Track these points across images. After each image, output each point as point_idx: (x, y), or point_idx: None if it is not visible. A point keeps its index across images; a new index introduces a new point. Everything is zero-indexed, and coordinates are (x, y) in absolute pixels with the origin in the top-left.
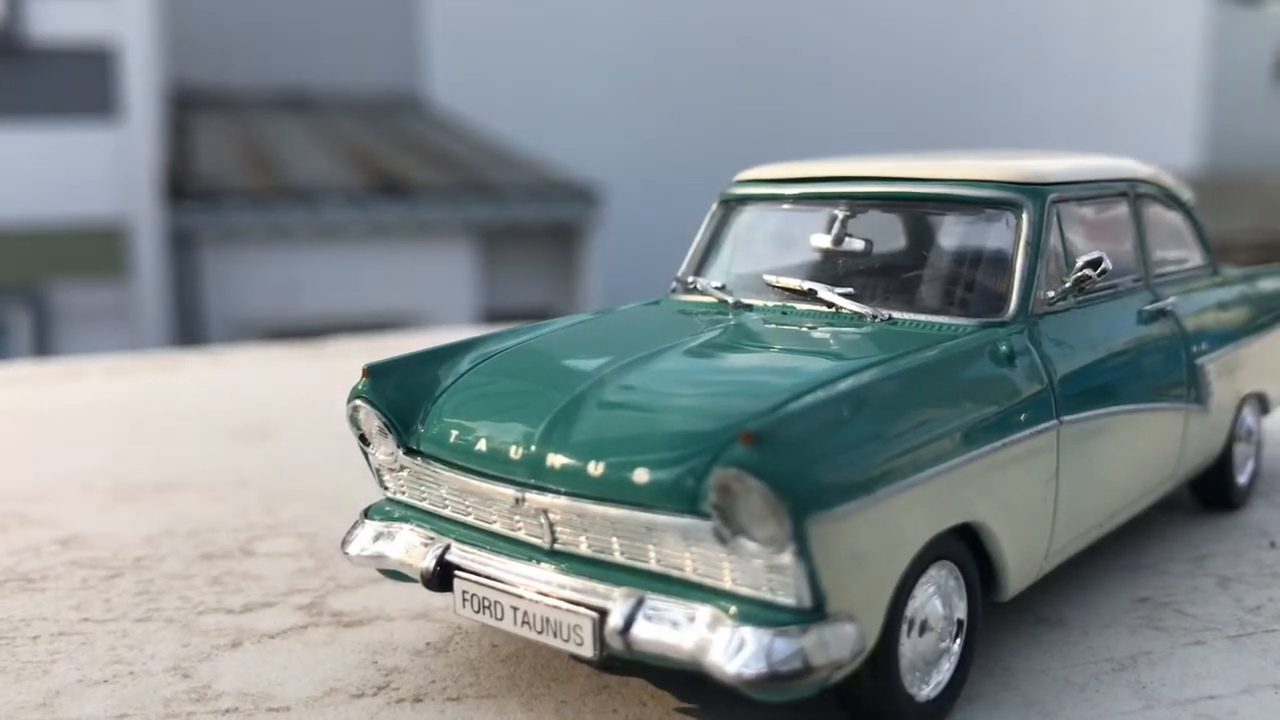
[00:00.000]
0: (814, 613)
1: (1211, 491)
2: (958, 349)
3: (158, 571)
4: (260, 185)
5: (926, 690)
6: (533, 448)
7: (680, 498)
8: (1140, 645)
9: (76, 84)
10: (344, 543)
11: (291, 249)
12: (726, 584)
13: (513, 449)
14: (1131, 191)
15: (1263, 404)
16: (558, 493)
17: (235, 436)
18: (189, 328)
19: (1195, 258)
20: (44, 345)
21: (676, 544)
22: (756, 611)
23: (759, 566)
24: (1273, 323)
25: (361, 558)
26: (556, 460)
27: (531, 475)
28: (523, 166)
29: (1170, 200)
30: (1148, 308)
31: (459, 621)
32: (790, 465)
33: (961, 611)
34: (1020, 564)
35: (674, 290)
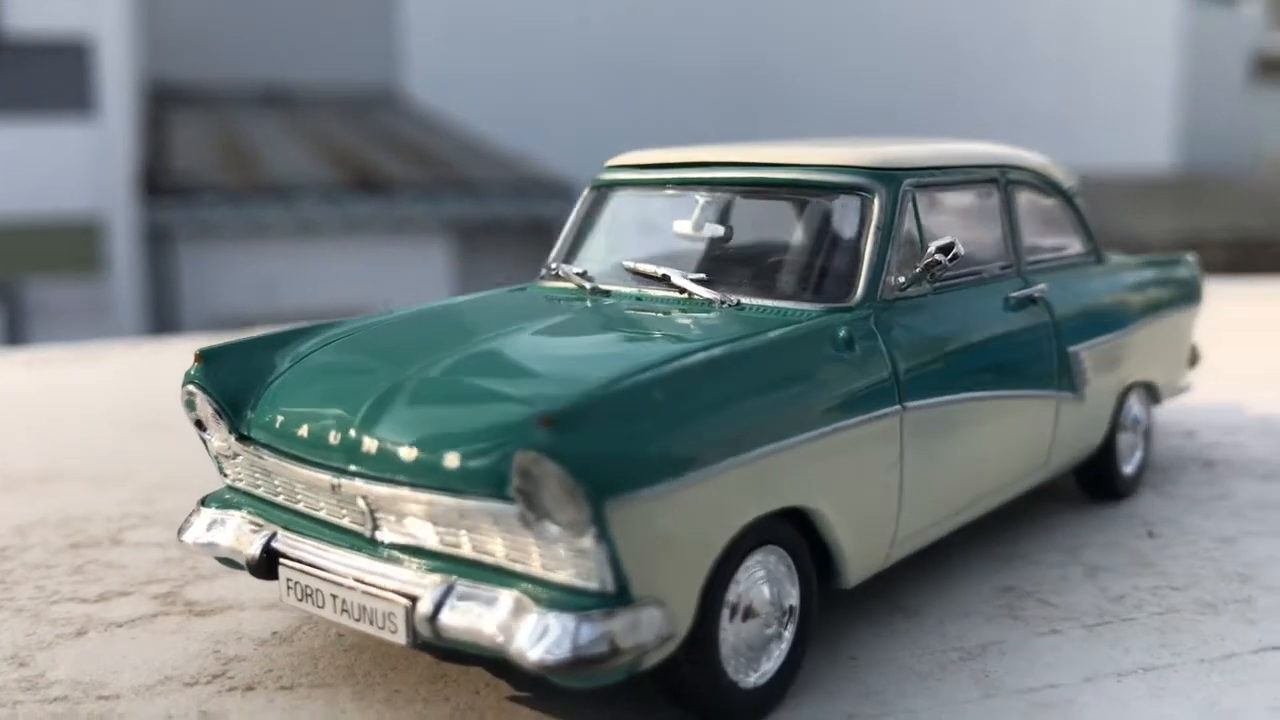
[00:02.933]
0: (618, 597)
1: (1096, 481)
2: (792, 334)
3: (19, 561)
4: (237, 181)
5: (753, 678)
6: (351, 432)
7: (487, 482)
8: (994, 635)
9: (52, 79)
10: (180, 531)
11: (268, 245)
12: (536, 569)
13: (331, 434)
14: (1002, 178)
15: (1152, 394)
16: (372, 478)
17: (138, 428)
18: (165, 324)
19: (1076, 245)
20: (18, 342)
21: (488, 529)
22: (562, 596)
23: (563, 551)
24: (1158, 312)
25: (196, 545)
26: (372, 445)
27: (349, 460)
28: (501, 163)
29: (1049, 188)
30: (1015, 294)
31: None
32: (589, 448)
33: (794, 598)
34: (861, 551)
35: (542, 276)
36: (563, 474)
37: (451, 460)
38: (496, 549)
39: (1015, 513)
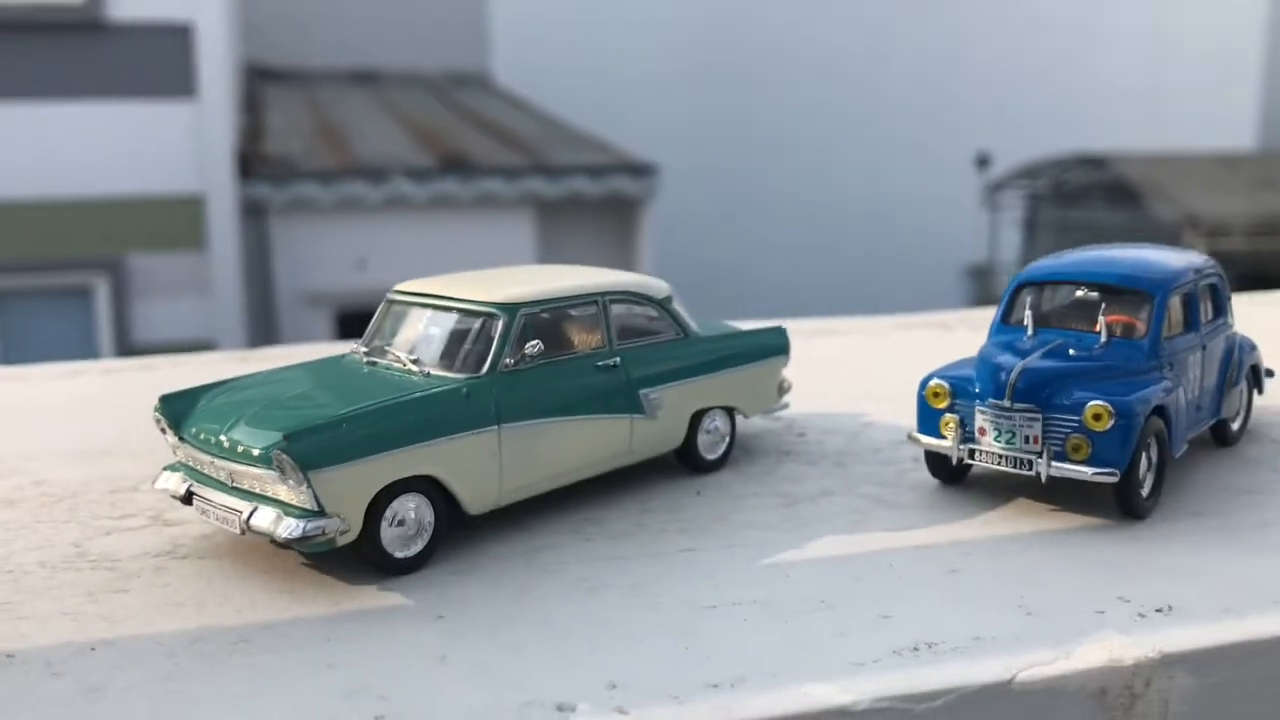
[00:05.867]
0: (320, 514)
1: (687, 461)
2: (434, 389)
3: (83, 498)
4: (331, 163)
5: (403, 554)
6: (220, 437)
7: (266, 463)
8: (553, 540)
9: (154, 62)
10: (153, 481)
11: (358, 223)
12: (287, 499)
13: (212, 438)
14: (602, 299)
15: (737, 412)
16: (227, 459)
17: None
18: (262, 300)
19: (668, 332)
20: (122, 312)
21: (269, 482)
22: (297, 511)
23: (296, 493)
24: (735, 364)
25: (157, 489)
26: (228, 443)
27: (218, 451)
28: (580, 144)
29: (645, 300)
30: (600, 363)
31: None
32: (304, 449)
33: (429, 519)
34: (474, 499)
35: (353, 351)
36: (291, 462)
37: (256, 452)
38: (277, 491)
39: (621, 476)
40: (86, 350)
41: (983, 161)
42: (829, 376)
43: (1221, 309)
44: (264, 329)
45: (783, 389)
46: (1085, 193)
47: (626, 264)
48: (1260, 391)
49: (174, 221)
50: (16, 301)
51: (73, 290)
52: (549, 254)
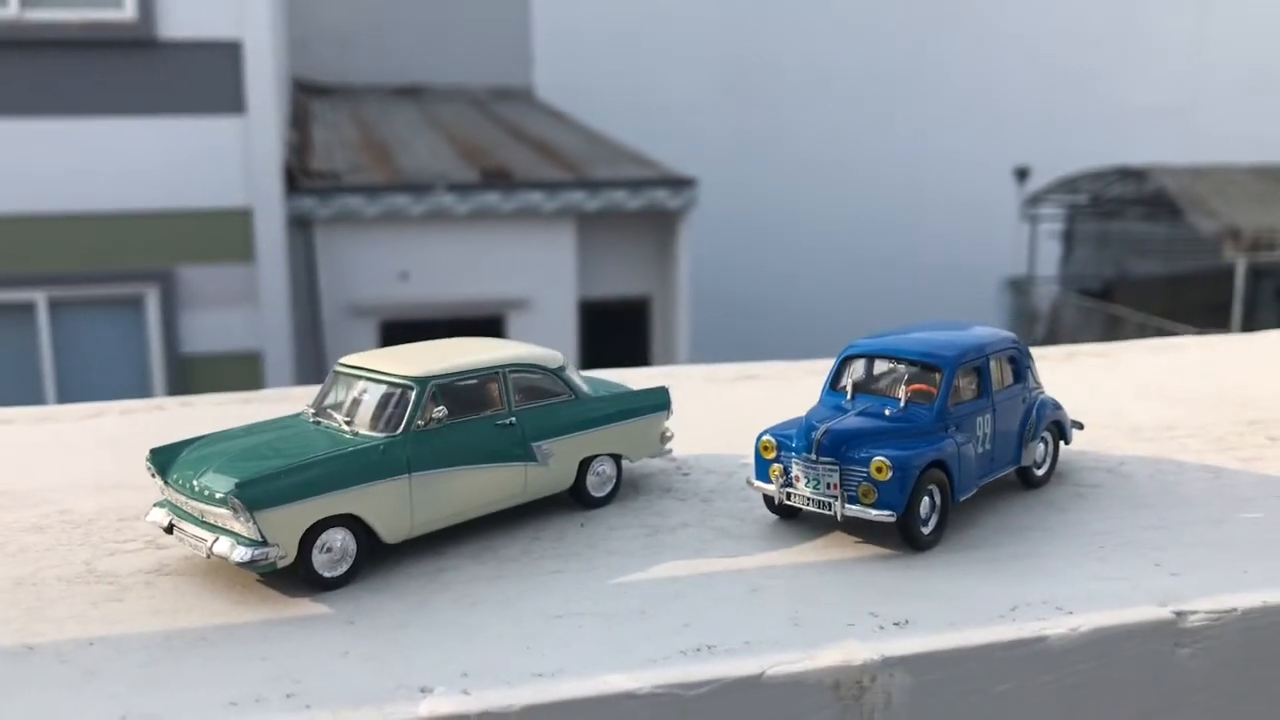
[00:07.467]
0: (263, 544)
1: (579, 499)
2: (358, 445)
3: (96, 524)
4: (376, 177)
5: (330, 574)
6: (193, 481)
7: (224, 504)
8: (454, 564)
9: (205, 79)
10: (146, 514)
11: (401, 236)
12: (241, 532)
13: (185, 482)
14: (503, 370)
15: (623, 458)
16: (197, 499)
17: None
18: (307, 310)
19: (563, 395)
20: (172, 323)
21: (227, 518)
22: (246, 540)
23: (246, 528)
24: (619, 418)
25: (148, 522)
26: (199, 487)
27: (191, 493)
28: (621, 158)
29: (540, 370)
30: (499, 422)
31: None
32: (252, 494)
33: (354, 547)
34: (390, 532)
35: (303, 412)
36: (240, 505)
37: (217, 496)
38: (231, 525)
39: (522, 511)
40: (137, 360)
41: (1022, 174)
42: (728, 420)
43: (1020, 376)
44: (310, 340)
45: (665, 438)
46: (1124, 206)
47: (664, 276)
48: (1067, 442)
49: (223, 234)
50: (70, 311)
51: (124, 301)
52: (588, 265)
